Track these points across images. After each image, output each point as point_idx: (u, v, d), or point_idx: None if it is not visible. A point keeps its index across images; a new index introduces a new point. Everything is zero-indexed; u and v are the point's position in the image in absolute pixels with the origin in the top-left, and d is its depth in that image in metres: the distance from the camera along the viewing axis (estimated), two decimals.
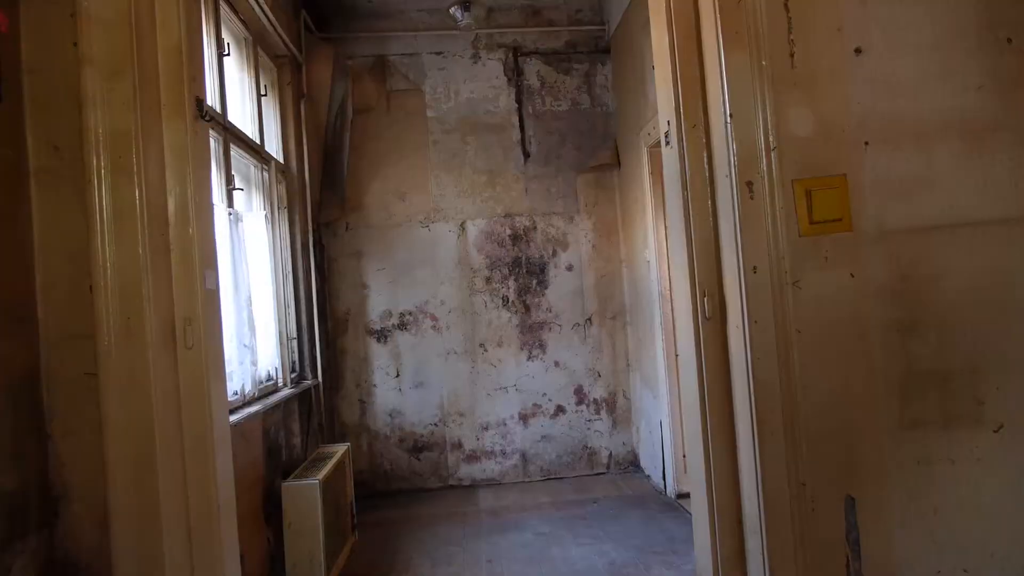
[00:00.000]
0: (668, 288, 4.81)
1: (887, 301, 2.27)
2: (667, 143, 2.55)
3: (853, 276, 2.26)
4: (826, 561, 2.23)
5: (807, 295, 2.24)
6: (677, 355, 4.70)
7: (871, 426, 2.26)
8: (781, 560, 2.22)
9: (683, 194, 2.45)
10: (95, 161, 2.01)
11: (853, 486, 2.25)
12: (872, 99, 2.28)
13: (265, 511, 3.51)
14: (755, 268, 2.24)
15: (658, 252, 4.87)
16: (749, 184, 2.25)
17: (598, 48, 5.83)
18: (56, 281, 1.99)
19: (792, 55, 2.27)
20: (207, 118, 2.37)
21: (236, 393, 3.44)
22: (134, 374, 2.00)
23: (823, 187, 2.25)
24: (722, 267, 2.38)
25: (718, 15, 2.29)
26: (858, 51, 2.29)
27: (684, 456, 4.77)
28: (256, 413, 3.47)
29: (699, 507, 2.51)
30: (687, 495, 4.65)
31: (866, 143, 2.27)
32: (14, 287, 1.90)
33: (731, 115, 2.26)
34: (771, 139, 2.25)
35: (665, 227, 4.80)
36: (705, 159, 2.41)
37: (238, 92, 4.12)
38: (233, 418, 3.08)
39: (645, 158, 4.92)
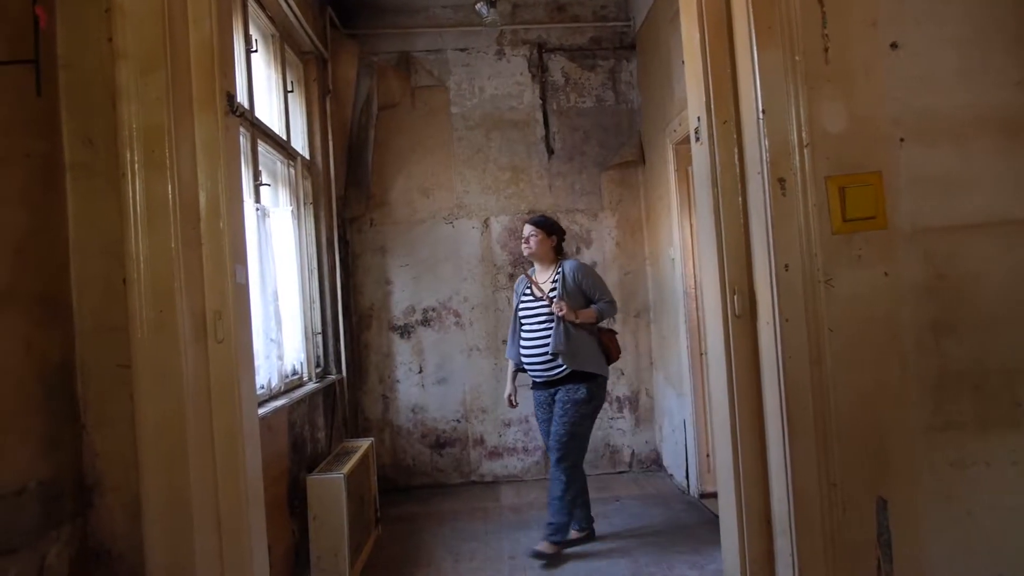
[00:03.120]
0: (693, 286, 4.78)
1: (922, 300, 2.23)
2: (697, 139, 2.53)
3: (887, 275, 2.23)
4: (857, 563, 2.21)
5: (840, 293, 2.22)
6: (702, 353, 4.69)
7: (904, 427, 2.23)
8: (811, 561, 2.19)
9: (713, 191, 2.43)
10: (128, 155, 2.03)
11: (885, 487, 2.22)
12: (908, 95, 2.24)
13: (290, 504, 3.53)
14: (787, 266, 2.22)
15: (683, 250, 4.84)
16: (781, 181, 2.23)
17: (623, 44, 5.80)
18: (90, 274, 2.01)
19: (826, 50, 2.24)
20: (237, 113, 2.38)
21: (263, 387, 3.46)
22: (166, 366, 2.02)
23: (857, 184, 2.21)
24: (753, 265, 2.36)
25: (751, 9, 2.26)
26: (894, 46, 2.25)
27: (708, 455, 4.75)
28: (282, 407, 3.49)
29: (727, 507, 2.49)
30: (710, 495, 4.62)
31: (901, 139, 2.24)
32: (50, 279, 1.92)
33: (763, 111, 2.24)
34: (804, 135, 2.22)
35: (691, 225, 4.78)
36: (736, 155, 2.39)
37: (265, 88, 4.14)
38: (260, 411, 3.09)
39: (671, 155, 4.89)
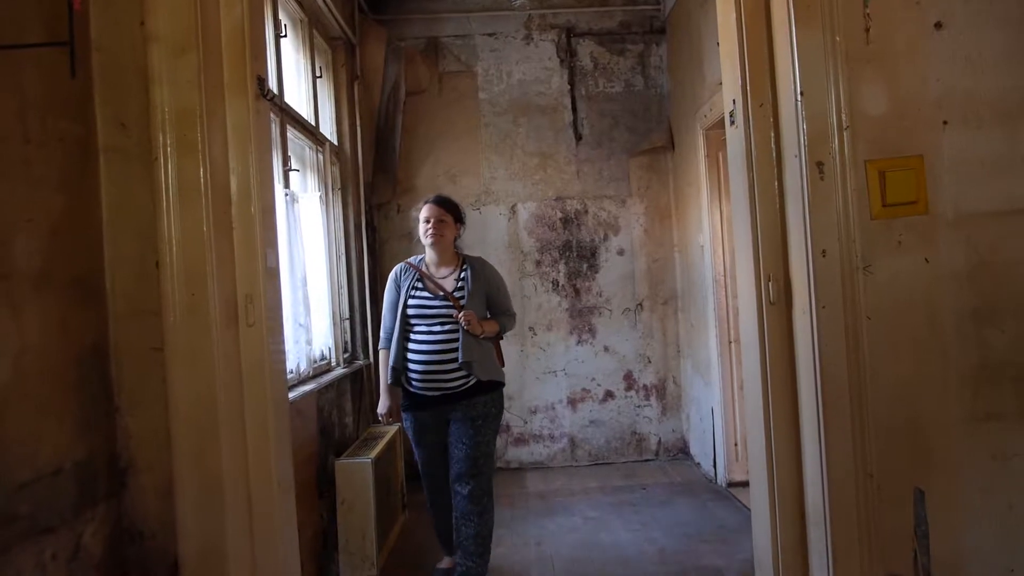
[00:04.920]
0: (722, 274, 4.73)
1: (963, 287, 2.18)
2: (732, 122, 2.48)
3: (928, 261, 2.18)
4: (893, 554, 2.17)
5: (878, 280, 2.17)
6: (731, 341, 4.64)
7: (943, 417, 2.18)
8: (846, 552, 2.16)
9: (748, 175, 2.38)
10: (161, 138, 2.03)
11: (922, 478, 2.17)
12: (952, 76, 2.18)
13: (319, 487, 3.56)
14: (824, 252, 2.17)
15: (712, 237, 4.78)
16: (819, 164, 2.18)
17: (653, 28, 5.72)
18: (124, 257, 2.01)
19: (867, 30, 2.18)
20: (268, 97, 2.37)
21: (292, 371, 3.48)
22: (198, 350, 2.02)
23: (898, 168, 2.16)
24: (789, 251, 2.31)
25: None
26: (938, 26, 2.19)
27: (736, 444, 4.71)
28: (311, 392, 3.51)
29: (759, 496, 2.45)
30: (738, 483, 4.58)
31: (945, 122, 2.18)
32: (84, 263, 1.93)
33: (802, 93, 2.18)
34: (843, 118, 2.16)
35: (721, 211, 4.71)
36: (772, 139, 2.34)
37: (294, 74, 4.15)
38: (290, 396, 3.10)
39: (701, 141, 4.83)
